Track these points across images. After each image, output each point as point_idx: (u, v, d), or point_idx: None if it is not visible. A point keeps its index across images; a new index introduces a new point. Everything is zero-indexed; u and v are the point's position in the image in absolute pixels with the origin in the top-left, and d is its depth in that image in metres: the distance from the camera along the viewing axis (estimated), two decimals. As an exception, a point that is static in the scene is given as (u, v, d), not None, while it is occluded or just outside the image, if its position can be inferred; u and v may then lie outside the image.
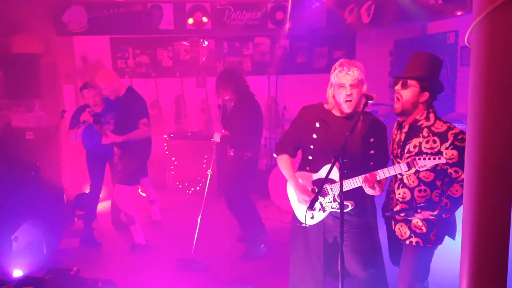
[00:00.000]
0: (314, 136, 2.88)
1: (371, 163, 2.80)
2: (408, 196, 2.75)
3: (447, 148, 2.57)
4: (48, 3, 6.20)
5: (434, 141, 2.61)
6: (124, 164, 4.75)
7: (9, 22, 5.46)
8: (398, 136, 2.84)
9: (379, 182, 2.64)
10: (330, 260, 2.95)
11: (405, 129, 2.77)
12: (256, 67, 7.52)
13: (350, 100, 2.74)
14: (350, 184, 2.73)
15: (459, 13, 4.59)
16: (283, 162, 3.05)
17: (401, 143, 2.78)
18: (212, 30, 6.78)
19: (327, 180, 2.60)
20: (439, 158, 2.47)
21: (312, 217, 2.91)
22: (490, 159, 1.45)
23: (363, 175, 2.68)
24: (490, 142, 1.45)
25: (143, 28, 6.62)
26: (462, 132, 2.58)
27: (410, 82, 2.69)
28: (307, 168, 2.95)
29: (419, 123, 2.70)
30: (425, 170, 2.64)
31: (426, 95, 2.68)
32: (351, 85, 2.72)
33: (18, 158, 5.08)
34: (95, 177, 5.03)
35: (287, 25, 6.80)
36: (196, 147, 6.73)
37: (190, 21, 6.62)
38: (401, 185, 2.79)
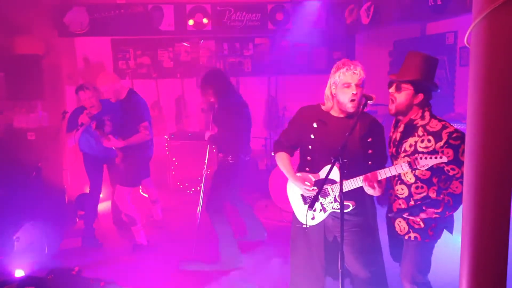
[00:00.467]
0: (312, 136, 2.89)
1: (370, 162, 2.81)
2: (405, 193, 2.78)
3: (441, 147, 2.58)
4: (49, 5, 6.23)
5: (429, 140, 2.63)
6: (126, 166, 4.75)
7: (11, 23, 5.48)
8: (394, 135, 2.86)
9: (379, 182, 2.65)
10: (330, 260, 2.96)
11: (400, 129, 2.80)
12: (256, 67, 7.53)
13: (355, 100, 2.74)
14: (351, 184, 2.74)
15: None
16: (281, 159, 3.08)
17: (396, 142, 2.81)
18: (213, 31, 6.80)
19: (327, 180, 2.61)
20: (440, 157, 2.49)
21: (313, 218, 2.92)
22: (490, 159, 1.46)
23: (363, 175, 2.70)
24: (489, 142, 1.46)
25: (144, 29, 6.64)
26: (456, 131, 2.59)
27: (404, 85, 2.71)
28: (307, 169, 2.97)
29: (415, 122, 2.72)
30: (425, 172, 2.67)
31: (420, 96, 2.70)
32: (357, 85, 2.72)
33: (19, 158, 5.09)
34: (94, 178, 5.03)
35: (287, 26, 6.82)
36: (197, 148, 6.74)
37: (191, 22, 6.64)
38: (399, 181, 2.82)
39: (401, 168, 2.60)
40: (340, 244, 2.58)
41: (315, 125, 2.89)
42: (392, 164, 2.83)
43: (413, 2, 5.26)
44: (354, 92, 2.72)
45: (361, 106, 2.67)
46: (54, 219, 4.92)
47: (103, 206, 6.07)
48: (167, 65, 7.42)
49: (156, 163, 6.84)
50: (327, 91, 2.86)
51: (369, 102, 2.63)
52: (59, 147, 5.87)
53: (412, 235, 2.78)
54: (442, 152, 2.59)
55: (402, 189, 2.79)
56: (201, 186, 6.59)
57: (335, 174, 2.74)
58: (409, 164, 2.56)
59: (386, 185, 2.99)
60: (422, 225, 2.74)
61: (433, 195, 2.72)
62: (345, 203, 2.76)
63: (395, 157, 2.83)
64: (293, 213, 3.09)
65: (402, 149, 2.76)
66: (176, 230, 5.38)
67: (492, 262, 1.51)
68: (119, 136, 4.67)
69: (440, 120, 2.68)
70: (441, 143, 2.58)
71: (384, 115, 3.37)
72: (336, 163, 2.52)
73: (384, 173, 2.65)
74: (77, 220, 5.46)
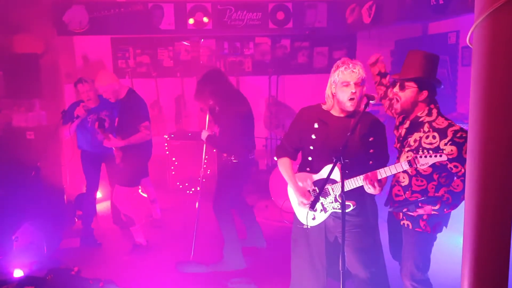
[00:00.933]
0: (313, 136, 2.88)
1: (371, 162, 2.81)
2: (406, 181, 2.84)
3: (445, 144, 2.61)
4: (48, 3, 6.20)
5: (434, 137, 2.67)
6: (125, 166, 4.73)
7: (9, 22, 5.46)
8: (399, 131, 2.90)
9: (379, 181, 2.65)
10: (331, 260, 2.96)
11: (406, 125, 2.84)
12: (257, 67, 7.52)
13: (354, 99, 2.73)
14: (351, 183, 2.74)
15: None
16: (283, 165, 3.07)
17: (401, 138, 2.85)
18: (213, 30, 6.77)
19: (328, 180, 2.60)
20: (440, 156, 2.50)
21: (314, 218, 2.92)
22: (492, 159, 1.45)
23: (364, 174, 2.69)
24: (491, 143, 1.45)
25: (143, 28, 6.61)
26: (462, 130, 2.62)
27: (407, 83, 2.74)
28: (308, 169, 2.96)
29: (421, 119, 2.76)
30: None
31: (425, 93, 2.74)
32: (356, 84, 2.72)
33: (18, 158, 5.07)
34: (91, 176, 5.03)
35: (288, 25, 6.80)
36: (197, 147, 6.72)
37: (191, 21, 6.62)
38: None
39: (401, 166, 2.61)
40: (341, 244, 2.58)
41: (316, 125, 2.88)
42: (397, 160, 2.89)
43: (414, 1, 5.24)
44: (353, 91, 2.71)
45: (363, 106, 2.66)
46: (53, 219, 4.90)
47: (103, 206, 6.06)
48: (167, 64, 7.40)
49: (156, 163, 6.83)
50: (327, 90, 2.86)
51: (371, 101, 2.63)
52: (58, 146, 5.86)
53: (405, 222, 2.86)
54: (444, 149, 2.60)
55: (404, 178, 2.84)
56: (200, 186, 6.62)
57: (336, 174, 2.74)
58: (409, 162, 2.57)
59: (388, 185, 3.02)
60: (414, 214, 2.79)
61: (431, 190, 2.75)
62: (346, 203, 2.75)
63: (399, 152, 2.88)
64: (294, 213, 3.09)
65: (407, 144, 2.80)
66: (175, 230, 5.37)
67: (494, 262, 1.51)
68: (119, 136, 4.66)
69: (446, 119, 2.73)
70: (446, 140, 2.61)
71: (386, 114, 3.36)
72: (338, 163, 2.52)
73: (384, 172, 2.66)
74: (76, 220, 5.45)
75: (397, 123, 2.99)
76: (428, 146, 2.67)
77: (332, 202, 2.85)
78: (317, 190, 2.88)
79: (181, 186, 6.82)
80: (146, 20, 6.54)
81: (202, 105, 4.36)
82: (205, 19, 6.64)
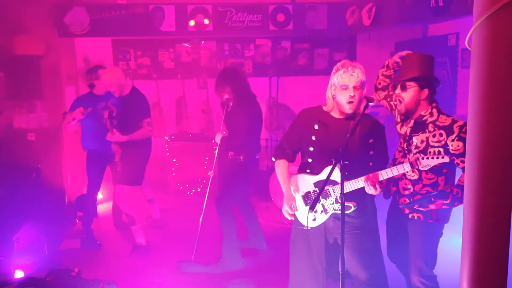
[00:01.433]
0: (313, 138, 2.89)
1: (371, 163, 2.82)
2: (415, 176, 2.88)
3: (453, 140, 2.68)
4: (50, 5, 6.22)
5: (441, 134, 2.74)
6: (125, 164, 4.75)
7: (11, 23, 5.48)
8: (404, 130, 2.95)
9: (380, 182, 2.68)
10: (331, 261, 2.96)
11: (410, 124, 2.90)
12: (257, 68, 7.53)
13: (352, 102, 2.75)
14: (353, 185, 2.74)
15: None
16: (280, 168, 3.08)
17: (407, 137, 2.90)
18: (214, 32, 6.79)
19: (328, 181, 2.61)
20: (442, 157, 2.56)
21: (314, 219, 2.92)
22: (491, 160, 1.46)
23: (365, 176, 2.70)
24: (490, 144, 1.46)
25: (144, 30, 6.63)
26: (466, 124, 2.64)
27: (408, 84, 2.81)
28: (307, 170, 2.96)
29: (424, 118, 2.83)
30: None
31: (426, 91, 2.81)
32: (354, 87, 2.73)
33: (19, 159, 5.09)
34: (94, 177, 5.03)
35: (288, 27, 6.82)
36: (197, 149, 6.74)
37: (192, 23, 6.63)
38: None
39: (403, 168, 2.67)
40: (341, 246, 2.58)
41: (316, 126, 2.89)
42: (403, 159, 2.94)
43: (414, 3, 5.25)
44: (352, 95, 2.73)
45: (363, 108, 2.68)
46: (54, 220, 4.91)
47: (103, 207, 6.07)
48: (167, 65, 7.41)
49: (157, 164, 6.84)
50: (328, 92, 2.89)
51: (370, 103, 2.65)
52: (59, 147, 5.87)
53: (416, 215, 2.89)
54: (451, 145, 2.68)
55: (413, 172, 2.87)
56: (201, 187, 6.63)
57: (336, 175, 2.73)
58: (411, 164, 2.62)
59: (387, 183, 3.08)
60: (425, 209, 2.84)
61: (442, 182, 2.84)
62: (346, 204, 2.77)
63: (408, 151, 2.92)
64: (294, 214, 3.09)
65: (414, 145, 2.84)
66: (176, 231, 5.37)
67: (493, 263, 1.52)
68: (121, 131, 4.67)
69: (448, 116, 2.80)
70: (453, 137, 2.68)
71: (386, 116, 3.37)
72: (337, 165, 2.53)
73: (386, 174, 2.68)
74: (77, 221, 5.45)
75: (399, 120, 3.04)
76: (436, 145, 2.74)
77: (333, 203, 2.85)
78: (318, 191, 2.88)
79: (181, 187, 6.83)
80: (147, 22, 6.56)
81: (221, 99, 4.36)
82: (206, 21, 6.65)
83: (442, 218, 2.89)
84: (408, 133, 2.90)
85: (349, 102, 2.75)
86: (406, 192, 2.94)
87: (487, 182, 1.48)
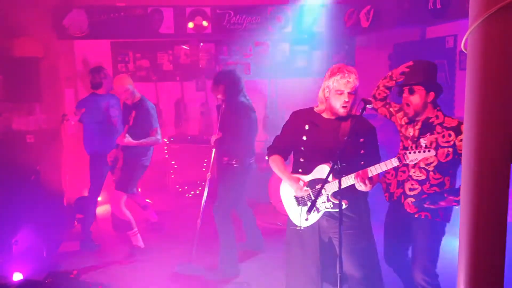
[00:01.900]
0: (304, 138, 2.94)
1: (362, 162, 2.85)
2: (423, 176, 2.96)
3: (461, 141, 2.78)
4: (49, 7, 6.23)
5: (449, 135, 2.86)
6: (125, 172, 4.79)
7: (10, 25, 5.49)
8: (411, 132, 3.03)
9: (370, 178, 2.72)
10: (326, 265, 2.97)
11: (418, 126, 3.00)
12: (256, 70, 7.53)
13: (347, 106, 2.81)
14: (343, 182, 2.76)
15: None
16: (275, 161, 3.10)
17: (415, 139, 2.99)
18: (212, 34, 6.80)
19: (324, 181, 2.63)
20: (429, 151, 2.63)
21: (307, 219, 2.94)
22: (486, 163, 1.47)
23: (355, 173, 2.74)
24: (485, 146, 1.46)
25: (143, 32, 6.64)
26: None
27: (416, 87, 2.93)
28: (300, 170, 3.00)
29: (431, 121, 2.95)
30: (446, 163, 2.87)
31: (432, 95, 2.94)
32: (349, 93, 2.79)
33: (18, 161, 5.09)
34: (96, 181, 5.03)
35: (287, 29, 6.83)
36: (196, 151, 6.74)
37: (190, 25, 6.65)
38: (417, 165, 2.98)
39: (391, 163, 2.71)
40: (339, 248, 2.59)
41: (307, 127, 2.94)
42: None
43: (412, 5, 5.27)
44: (346, 100, 2.79)
45: (360, 110, 2.72)
46: (53, 223, 4.91)
47: (102, 209, 6.07)
48: (166, 68, 7.42)
49: (156, 167, 6.84)
50: (320, 94, 2.93)
51: (368, 106, 2.69)
52: (58, 150, 5.87)
53: (423, 214, 2.97)
54: (459, 145, 2.79)
55: (421, 172, 2.96)
56: (200, 189, 6.63)
57: (327, 173, 2.77)
58: (399, 158, 2.69)
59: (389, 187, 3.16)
60: (435, 206, 2.92)
61: (448, 182, 2.94)
62: (337, 202, 2.78)
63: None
64: (287, 215, 3.11)
65: (423, 147, 2.92)
66: (175, 234, 5.38)
67: (489, 264, 1.52)
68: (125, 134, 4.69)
69: (453, 118, 2.93)
70: (461, 137, 2.79)
71: (383, 118, 3.39)
72: (330, 164, 2.64)
73: (375, 170, 2.72)
74: (76, 223, 5.46)
75: (403, 123, 3.11)
76: (446, 145, 2.86)
77: (325, 202, 2.88)
78: (310, 191, 2.91)
79: (180, 190, 6.83)
80: (145, 24, 6.57)
81: (216, 96, 4.36)
82: (205, 23, 6.67)
83: (447, 217, 2.98)
84: (416, 135, 2.99)
85: (343, 107, 2.81)
86: (413, 193, 3.00)
87: (483, 183, 1.49)
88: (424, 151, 2.62)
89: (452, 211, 2.99)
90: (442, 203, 2.86)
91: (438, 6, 4.71)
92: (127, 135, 4.65)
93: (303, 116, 3.00)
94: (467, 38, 1.46)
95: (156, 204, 6.44)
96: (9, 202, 4.57)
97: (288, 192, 3.05)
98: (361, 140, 2.87)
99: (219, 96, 4.34)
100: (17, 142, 5.62)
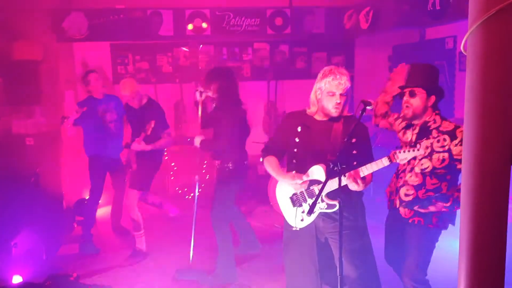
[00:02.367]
0: (297, 140, 2.97)
1: (355, 163, 2.85)
2: (419, 181, 2.91)
3: (456, 145, 2.74)
4: (48, 10, 6.24)
5: (445, 139, 2.80)
6: (138, 169, 4.82)
7: (9, 28, 5.49)
8: (409, 137, 3.00)
9: (362, 178, 2.73)
10: (323, 264, 2.98)
11: (416, 130, 2.97)
12: (256, 72, 7.54)
13: (338, 108, 2.85)
14: (334, 183, 2.76)
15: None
16: (269, 162, 3.12)
17: (412, 143, 2.94)
18: (212, 36, 6.81)
19: (326, 184, 2.64)
20: (418, 150, 2.62)
21: (302, 220, 2.95)
22: (486, 165, 1.47)
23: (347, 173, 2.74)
24: (486, 148, 1.46)
25: (143, 34, 6.65)
26: None
27: (417, 90, 2.89)
28: (293, 172, 3.01)
29: (428, 125, 2.90)
30: (440, 169, 2.82)
31: (433, 98, 2.90)
32: (341, 94, 2.83)
33: (18, 164, 5.09)
34: (96, 183, 5.03)
35: (286, 31, 6.84)
36: (196, 153, 6.72)
37: (190, 27, 6.65)
38: (413, 170, 2.94)
39: (381, 163, 2.71)
40: (339, 250, 2.59)
41: (299, 129, 2.98)
42: (410, 165, 2.97)
43: (411, 7, 5.28)
44: (338, 102, 2.83)
45: (360, 112, 2.72)
46: (52, 225, 4.90)
47: (102, 211, 6.05)
48: (166, 70, 7.42)
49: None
50: (312, 96, 2.97)
51: (367, 107, 2.69)
52: (57, 152, 5.87)
53: (416, 219, 2.92)
54: (454, 149, 2.74)
55: (417, 177, 2.91)
56: (199, 191, 6.62)
57: (321, 175, 2.85)
58: (389, 158, 2.68)
59: (390, 194, 3.16)
60: (425, 211, 2.88)
61: (445, 188, 2.88)
62: (330, 202, 2.84)
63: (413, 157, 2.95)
64: (284, 216, 3.11)
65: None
66: (174, 236, 5.36)
67: (490, 266, 1.52)
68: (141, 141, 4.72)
69: (450, 122, 2.88)
70: (456, 141, 2.75)
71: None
72: (323, 165, 2.73)
73: (366, 169, 2.74)
74: (75, 226, 5.45)
75: (400, 128, 3.09)
76: (440, 150, 2.80)
77: (319, 203, 2.88)
78: (305, 193, 2.93)
79: (180, 191, 6.83)
80: (145, 26, 6.58)
81: (203, 95, 4.26)
82: (204, 25, 6.67)
83: (442, 224, 2.93)
84: (414, 140, 2.95)
85: (335, 108, 2.85)
86: (408, 198, 2.96)
87: (483, 184, 1.49)
88: (413, 150, 2.61)
89: (450, 219, 2.94)
90: (432, 208, 2.83)
91: (438, 7, 4.71)
92: (140, 140, 4.64)
93: (296, 118, 3.03)
94: (467, 39, 1.46)
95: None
96: (9, 205, 4.56)
97: (283, 193, 3.06)
98: (353, 140, 2.88)
99: (210, 94, 4.18)
100: (17, 145, 5.61)
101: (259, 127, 7.20)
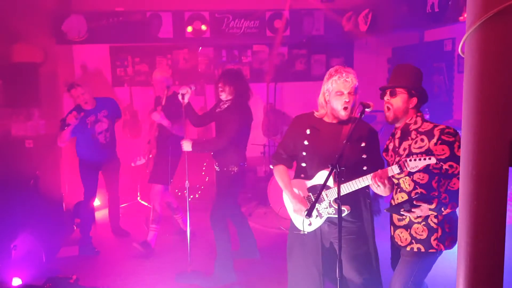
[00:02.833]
0: (306, 143, 2.93)
1: (365, 167, 2.83)
2: (405, 195, 2.77)
3: (435, 144, 2.59)
4: (47, 12, 6.24)
5: (422, 140, 2.66)
6: (157, 163, 4.90)
7: (8, 31, 5.49)
8: (393, 143, 2.88)
9: (389, 178, 2.62)
10: (327, 266, 2.97)
11: (398, 135, 2.83)
12: (255, 74, 7.55)
13: (347, 107, 2.79)
14: (346, 188, 2.75)
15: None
16: (279, 173, 3.09)
17: (397, 149, 2.81)
18: (211, 38, 6.82)
19: (324, 187, 2.62)
20: (430, 158, 2.50)
21: (310, 224, 2.94)
22: (484, 167, 1.47)
23: (364, 176, 2.70)
24: (484, 150, 1.47)
25: (142, 37, 6.65)
26: (448, 127, 2.62)
27: (398, 90, 2.76)
28: (302, 175, 3.00)
29: (409, 127, 2.76)
30: (418, 172, 2.66)
31: (414, 100, 2.76)
32: (349, 93, 2.77)
33: (17, 166, 5.08)
34: (88, 185, 5.05)
35: (285, 33, 6.85)
36: (195, 154, 6.72)
37: (189, 29, 6.66)
38: (399, 189, 2.81)
39: (391, 170, 2.62)
40: (338, 251, 2.59)
41: (308, 131, 2.93)
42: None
43: (410, 9, 5.29)
44: (347, 100, 2.78)
45: (359, 113, 2.70)
46: (52, 228, 4.91)
47: (101, 214, 6.06)
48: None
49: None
50: (320, 99, 2.91)
51: (366, 109, 2.67)
52: (57, 155, 5.87)
53: (415, 246, 2.73)
54: (435, 149, 2.59)
55: (402, 197, 2.78)
56: (199, 193, 6.63)
57: (329, 180, 2.74)
58: (399, 166, 2.58)
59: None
60: (424, 235, 2.71)
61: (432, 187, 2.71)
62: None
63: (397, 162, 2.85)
64: (290, 220, 3.10)
65: (397, 154, 2.79)
66: (174, 239, 5.36)
67: (488, 266, 1.52)
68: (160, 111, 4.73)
69: (431, 123, 2.73)
70: (434, 140, 2.59)
71: (383, 121, 3.39)
72: (333, 170, 2.53)
73: (391, 170, 2.61)
74: (75, 228, 5.45)
75: (390, 137, 2.97)
76: (418, 151, 2.65)
77: (327, 208, 2.87)
78: (311, 196, 2.91)
79: (179, 194, 6.82)
80: (144, 29, 6.58)
81: (218, 95, 4.28)
82: (203, 27, 6.68)
83: (446, 244, 2.72)
84: (397, 145, 2.81)
85: (345, 108, 2.79)
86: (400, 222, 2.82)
87: (481, 185, 1.50)
88: (425, 159, 2.50)
89: (454, 236, 2.72)
90: (416, 211, 2.64)
91: (436, 10, 4.72)
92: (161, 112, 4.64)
93: (305, 121, 2.99)
94: (464, 41, 1.47)
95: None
96: (8, 207, 4.56)
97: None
98: (363, 144, 2.86)
99: (223, 97, 4.22)
100: (16, 147, 5.60)
101: (258, 129, 7.20)
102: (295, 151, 3.03)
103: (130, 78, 7.22)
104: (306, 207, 2.88)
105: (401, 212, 2.71)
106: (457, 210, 1.69)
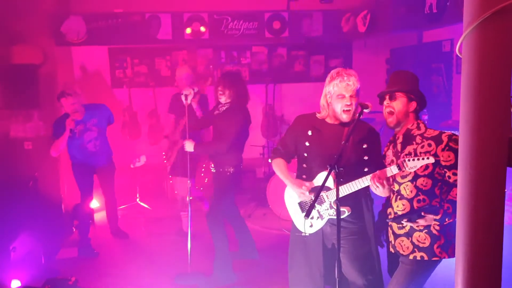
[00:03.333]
0: (307, 144, 2.93)
1: (366, 169, 2.82)
2: (407, 208, 2.73)
3: (443, 150, 2.59)
4: (46, 14, 6.24)
5: (429, 145, 2.65)
6: (179, 156, 5.09)
7: (7, 32, 5.49)
8: (395, 147, 2.86)
9: (387, 179, 2.62)
10: (329, 267, 2.97)
11: (400, 140, 2.81)
12: (254, 76, 7.55)
13: (349, 110, 2.79)
14: (346, 189, 2.75)
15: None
16: (278, 164, 3.10)
17: (399, 153, 2.79)
18: (210, 40, 6.82)
19: (323, 188, 2.62)
20: (428, 158, 2.51)
21: (311, 226, 2.94)
22: (482, 167, 1.48)
23: (364, 177, 2.70)
24: (481, 150, 1.47)
25: (141, 38, 6.66)
26: (454, 134, 2.62)
27: (397, 94, 2.76)
28: (303, 176, 3.00)
29: (412, 132, 2.75)
30: (422, 177, 2.66)
31: (414, 104, 2.76)
32: (351, 96, 2.77)
33: (16, 168, 5.08)
34: (84, 187, 5.04)
35: (284, 35, 6.85)
36: (194, 156, 6.72)
37: (188, 30, 6.66)
38: (399, 197, 2.77)
39: (390, 171, 2.62)
40: (337, 251, 2.59)
41: (309, 132, 2.93)
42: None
43: (409, 10, 5.30)
44: (348, 103, 2.78)
45: (357, 114, 2.70)
46: (51, 229, 4.90)
47: (100, 215, 6.05)
48: (164, 73, 7.43)
49: (153, 172, 6.84)
50: (322, 101, 2.90)
51: (365, 110, 2.67)
52: (56, 156, 5.86)
53: (418, 254, 2.71)
54: (441, 155, 2.58)
55: (403, 205, 2.74)
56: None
57: (329, 181, 2.76)
58: (398, 166, 2.58)
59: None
60: (427, 243, 2.69)
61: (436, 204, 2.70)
62: (341, 209, 2.75)
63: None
64: (292, 221, 3.10)
65: (399, 159, 2.76)
66: (173, 240, 5.36)
67: (487, 267, 1.52)
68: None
69: (435, 130, 2.72)
70: (442, 146, 2.60)
71: (382, 122, 3.39)
72: (332, 171, 2.53)
73: (390, 171, 2.62)
74: (74, 230, 5.45)
75: (388, 144, 2.97)
76: (424, 155, 2.62)
77: (328, 209, 2.87)
78: (312, 198, 2.91)
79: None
80: (143, 30, 6.59)
81: (217, 97, 4.27)
82: (202, 29, 6.69)
83: (449, 251, 2.69)
84: (400, 149, 2.79)
85: (346, 111, 2.79)
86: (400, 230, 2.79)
87: (479, 185, 1.50)
88: (423, 158, 2.50)
89: (450, 245, 2.70)
90: (421, 221, 2.62)
91: (434, 11, 4.73)
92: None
93: (307, 121, 2.98)
94: (462, 42, 1.47)
95: (154, 209, 6.44)
96: (7, 209, 4.55)
97: (292, 199, 3.05)
98: (364, 146, 2.86)
99: (223, 100, 4.21)
100: (15, 149, 5.60)
101: (257, 130, 7.20)
102: (296, 151, 3.04)
103: (129, 80, 7.22)
104: (308, 190, 2.88)
105: (404, 222, 2.70)
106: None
